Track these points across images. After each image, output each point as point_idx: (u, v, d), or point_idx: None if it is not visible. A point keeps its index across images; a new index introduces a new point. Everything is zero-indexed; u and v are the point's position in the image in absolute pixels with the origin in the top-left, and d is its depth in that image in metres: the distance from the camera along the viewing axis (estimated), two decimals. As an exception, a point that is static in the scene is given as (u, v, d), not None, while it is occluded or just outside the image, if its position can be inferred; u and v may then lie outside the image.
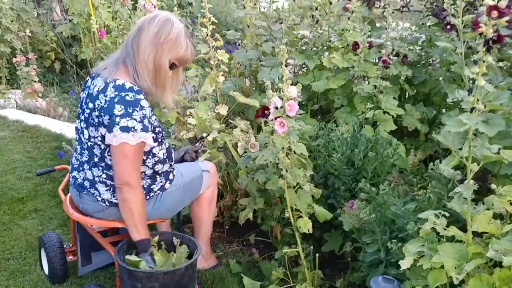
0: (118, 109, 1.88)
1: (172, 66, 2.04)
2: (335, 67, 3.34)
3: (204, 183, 2.41)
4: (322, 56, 3.34)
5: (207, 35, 3.11)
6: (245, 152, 2.76)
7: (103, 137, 1.96)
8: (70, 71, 7.78)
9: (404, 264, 1.79)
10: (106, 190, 2.07)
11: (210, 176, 2.46)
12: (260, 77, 3.33)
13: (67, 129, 5.12)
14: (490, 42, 1.50)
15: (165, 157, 2.16)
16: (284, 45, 3.26)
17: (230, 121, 3.26)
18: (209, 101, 3.26)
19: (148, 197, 2.14)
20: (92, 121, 1.98)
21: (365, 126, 3.05)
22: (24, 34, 7.23)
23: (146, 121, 1.94)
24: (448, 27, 3.31)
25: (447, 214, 1.75)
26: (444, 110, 3.72)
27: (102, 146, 2.00)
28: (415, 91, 3.64)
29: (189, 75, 3.23)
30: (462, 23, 2.23)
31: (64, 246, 2.53)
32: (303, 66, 3.65)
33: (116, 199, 2.06)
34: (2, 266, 2.65)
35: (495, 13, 1.48)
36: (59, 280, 2.49)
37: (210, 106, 3.16)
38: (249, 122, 3.03)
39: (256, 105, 3.20)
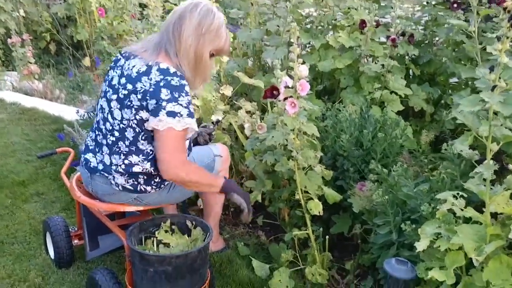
0: (164, 93, 1.84)
1: (211, 56, 2.01)
2: (341, 46, 3.28)
3: (215, 168, 2.37)
4: (328, 35, 3.27)
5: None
6: (252, 133, 2.71)
7: (140, 120, 1.91)
8: (66, 53, 7.68)
9: (420, 245, 1.76)
10: (121, 176, 2.02)
11: (222, 161, 2.43)
12: (264, 56, 3.27)
13: (65, 112, 5.06)
14: (516, 18, 1.45)
15: (187, 147, 2.11)
16: (290, 23, 3.21)
17: (234, 102, 3.21)
18: (213, 81, 3.20)
19: (162, 185, 2.10)
20: (129, 103, 1.91)
21: (373, 107, 3.00)
22: (18, 14, 7.11)
23: (191, 107, 1.90)
24: (455, 5, 3.25)
25: (465, 195, 1.71)
26: (449, 91, 3.70)
27: (137, 130, 1.94)
28: (420, 71, 3.59)
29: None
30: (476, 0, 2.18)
31: (70, 229, 2.49)
32: (308, 45, 3.58)
33: (130, 185, 2.03)
34: (7, 251, 2.62)
35: (520, -12, 1.43)
36: (65, 264, 2.46)
37: (214, 87, 3.10)
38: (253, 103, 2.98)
39: (260, 85, 3.15)
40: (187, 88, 1.91)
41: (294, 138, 2.19)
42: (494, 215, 1.77)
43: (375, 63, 3.26)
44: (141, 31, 3.96)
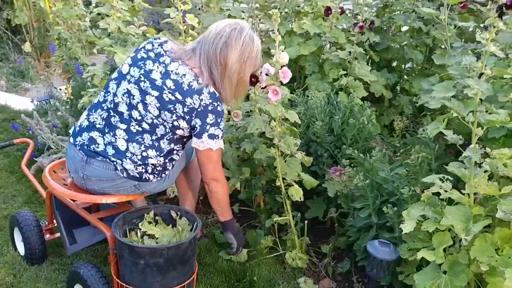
0: (210, 118, 1.98)
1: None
2: (305, 33, 3.31)
3: (193, 156, 2.36)
4: (292, 22, 3.29)
5: (175, -2, 2.97)
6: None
7: (176, 126, 1.99)
8: (3, 37, 7.28)
9: (406, 227, 1.82)
10: (131, 164, 1.99)
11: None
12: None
13: (11, 100, 4.83)
14: (504, 7, 1.51)
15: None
16: (255, 10, 3.21)
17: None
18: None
19: (159, 177, 2.09)
20: (173, 109, 1.96)
21: (339, 93, 3.06)
22: None
23: (223, 129, 2.07)
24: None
25: (450, 178, 1.79)
26: (405, 76, 3.83)
27: (167, 131, 2.00)
28: (378, 57, 3.69)
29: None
30: (447, -11, 2.26)
31: (41, 224, 2.40)
32: (269, 31, 3.58)
33: (137, 172, 2.01)
34: (-30, 249, 2.49)
35: (509, -21, 1.50)
36: (38, 260, 2.36)
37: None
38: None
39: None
40: (223, 113, 2.07)
41: (275, 126, 2.20)
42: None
43: (337, 50, 3.32)
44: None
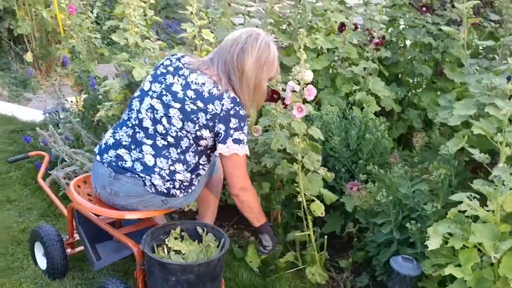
0: (233, 122, 1.99)
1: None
2: (317, 48, 3.35)
3: (217, 166, 2.40)
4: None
5: (191, 13, 3.00)
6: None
7: (200, 137, 2.01)
8: (4, 47, 7.28)
9: (432, 244, 1.85)
10: (160, 179, 2.01)
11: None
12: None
13: (18, 111, 4.83)
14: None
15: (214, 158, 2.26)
16: (268, 25, 3.25)
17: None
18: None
19: (186, 192, 2.11)
20: (196, 119, 1.99)
21: (353, 108, 3.10)
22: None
23: (247, 134, 2.08)
24: (424, 9, 3.42)
25: (477, 197, 1.82)
26: (413, 90, 3.87)
27: (192, 142, 2.03)
28: (387, 71, 3.73)
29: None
30: (466, 9, 2.31)
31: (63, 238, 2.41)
32: (282, 46, 3.62)
33: (165, 187, 2.02)
34: (-11, 263, 2.49)
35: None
36: (60, 275, 2.37)
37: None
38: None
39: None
40: (246, 118, 2.08)
41: (298, 142, 2.23)
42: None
43: (349, 65, 3.36)
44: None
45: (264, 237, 2.30)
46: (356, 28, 3.24)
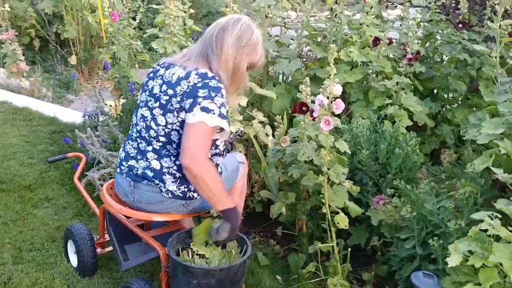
0: (201, 92, 1.95)
1: (247, 69, 2.13)
2: (351, 61, 3.37)
3: (239, 174, 2.44)
4: (339, 50, 3.36)
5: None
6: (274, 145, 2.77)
7: (182, 122, 1.99)
8: (51, 50, 7.57)
9: (452, 261, 1.85)
10: (173, 182, 2.06)
11: (245, 167, 2.49)
12: (278, 69, 3.34)
13: (60, 113, 5.02)
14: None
15: (222, 150, 2.21)
16: (304, 37, 3.29)
17: (248, 112, 3.26)
18: (225, 91, 3.25)
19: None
20: (171, 107, 2.01)
21: (384, 122, 3.10)
22: (3, 9, 6.96)
23: (223, 109, 1.99)
24: (460, 25, 3.40)
25: (499, 216, 1.82)
26: (447, 106, 3.84)
27: (181, 132, 2.01)
28: (422, 86, 3.72)
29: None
30: (499, 27, 2.30)
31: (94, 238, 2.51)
32: (317, 58, 3.66)
33: (181, 191, 2.08)
34: (26, 258, 2.61)
35: None
36: (89, 273, 2.47)
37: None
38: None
39: (273, 96, 3.23)
40: (223, 91, 2.01)
41: (325, 154, 2.26)
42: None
43: (383, 78, 3.37)
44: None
45: (224, 226, 1.99)
46: (390, 42, 3.25)
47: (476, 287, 1.80)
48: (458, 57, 3.47)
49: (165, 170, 2.06)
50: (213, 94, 1.95)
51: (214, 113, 1.93)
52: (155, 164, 2.07)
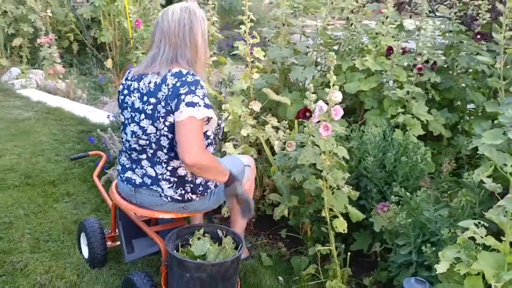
0: (182, 90, 2.04)
1: None
2: (366, 69, 3.41)
3: (246, 176, 2.52)
4: (355, 58, 3.41)
5: (245, 32, 3.18)
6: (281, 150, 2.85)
7: (170, 125, 2.07)
8: (88, 53, 7.87)
9: (440, 268, 1.88)
10: (169, 187, 2.16)
11: (251, 170, 2.57)
12: (293, 75, 3.41)
13: (90, 114, 5.22)
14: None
15: (212, 137, 2.28)
16: (319, 45, 3.36)
17: (262, 117, 3.35)
18: (241, 96, 3.35)
19: (206, 193, 2.25)
20: (158, 114, 2.08)
21: (395, 130, 3.13)
22: (45, 14, 7.30)
23: (206, 99, 2.08)
24: (479, 36, 3.39)
25: (486, 224, 1.84)
26: (466, 117, 3.83)
27: (169, 136, 2.10)
28: (440, 96, 3.72)
29: (224, 71, 3.33)
30: (504, 38, 2.31)
31: (105, 232, 2.63)
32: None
33: (178, 195, 2.17)
34: (43, 247, 2.76)
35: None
36: (99, 264, 2.59)
37: (244, 102, 3.25)
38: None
39: (287, 102, 3.31)
40: (201, 82, 2.11)
41: (324, 159, 2.32)
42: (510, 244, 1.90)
43: (397, 87, 3.39)
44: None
45: (235, 186, 2.19)
46: (404, 52, 3.28)
47: (462, 294, 1.82)
48: (475, 68, 3.46)
49: (159, 176, 2.16)
50: (193, 88, 2.04)
51: (199, 105, 2.02)
52: (151, 172, 2.18)
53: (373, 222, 2.58)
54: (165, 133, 2.10)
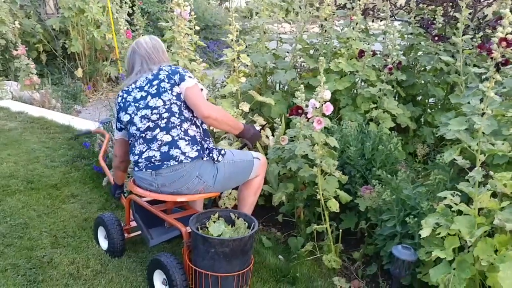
0: (180, 70, 2.64)
1: None
2: (340, 71, 3.82)
3: (254, 169, 2.79)
4: (329, 61, 3.81)
5: (232, 40, 3.52)
6: (274, 144, 3.20)
7: (177, 95, 2.56)
8: (58, 64, 8.00)
9: (424, 233, 2.28)
10: (186, 145, 2.50)
11: (260, 164, 2.85)
12: (275, 79, 3.78)
13: (74, 121, 5.43)
14: (500, 64, 2.00)
15: (204, 128, 2.75)
16: (298, 50, 3.73)
17: (249, 117, 3.70)
18: (230, 99, 3.69)
19: (208, 157, 2.57)
20: (163, 89, 2.56)
21: (370, 123, 3.54)
22: (14, 26, 7.40)
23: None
24: (436, 38, 3.86)
25: (459, 194, 2.25)
26: (428, 110, 4.29)
27: (178, 103, 2.55)
28: (405, 92, 4.17)
29: (215, 76, 3.65)
30: (462, 41, 2.74)
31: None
32: (309, 68, 4.11)
33: (195, 150, 2.50)
34: (61, 242, 3.01)
35: (504, 44, 1.98)
36: (118, 254, 2.88)
37: (233, 104, 3.59)
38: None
39: (272, 103, 3.67)
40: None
41: (318, 149, 2.69)
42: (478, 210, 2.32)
43: (369, 85, 3.81)
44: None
45: (255, 134, 2.86)
46: (374, 54, 3.70)
47: (441, 251, 2.23)
48: (435, 66, 3.92)
49: (176, 138, 2.50)
50: (182, 71, 2.63)
51: (195, 78, 2.63)
52: (167, 138, 2.50)
53: (358, 203, 2.98)
54: (174, 101, 2.55)
